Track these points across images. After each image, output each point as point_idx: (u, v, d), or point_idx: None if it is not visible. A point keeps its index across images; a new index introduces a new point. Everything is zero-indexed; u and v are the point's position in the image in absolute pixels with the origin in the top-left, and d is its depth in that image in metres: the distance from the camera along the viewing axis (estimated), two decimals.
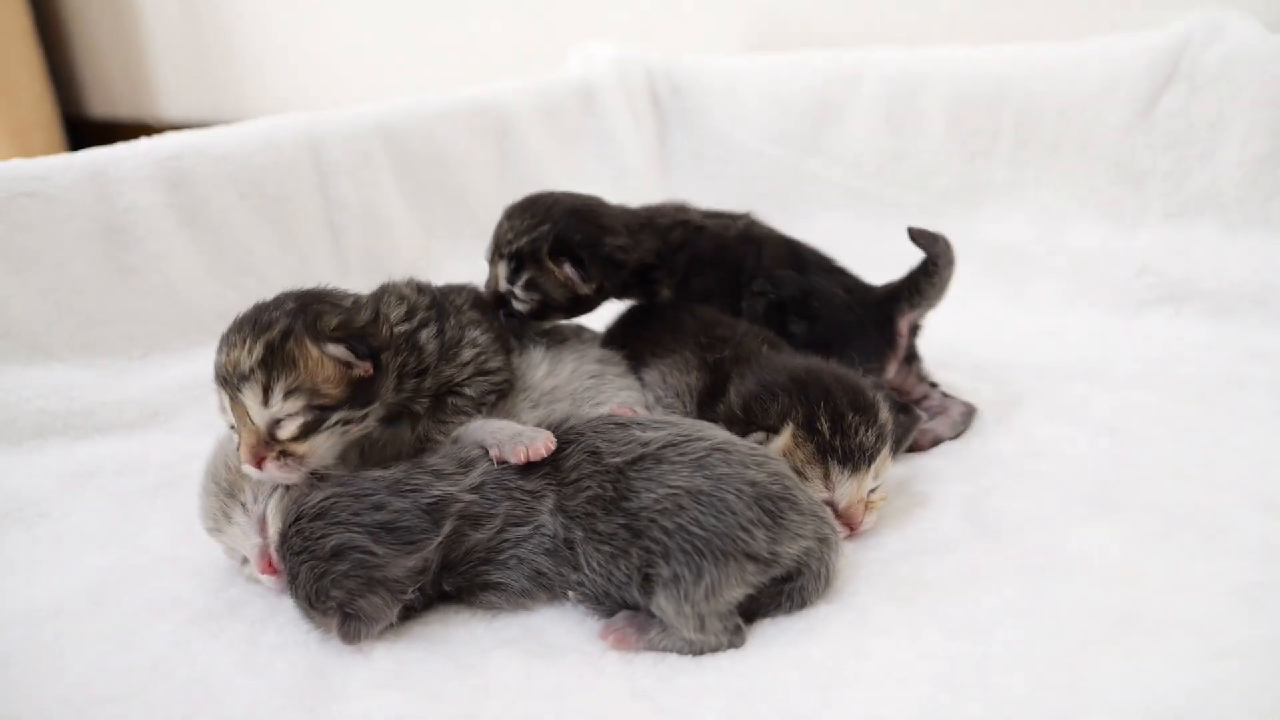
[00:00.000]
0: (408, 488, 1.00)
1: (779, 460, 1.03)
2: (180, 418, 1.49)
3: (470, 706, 0.89)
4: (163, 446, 1.42)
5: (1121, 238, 1.81)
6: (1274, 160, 1.66)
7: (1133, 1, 1.95)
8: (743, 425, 1.12)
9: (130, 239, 1.57)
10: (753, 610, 0.99)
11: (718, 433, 1.03)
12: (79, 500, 1.29)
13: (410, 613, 1.01)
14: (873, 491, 1.12)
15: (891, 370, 1.39)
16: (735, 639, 0.95)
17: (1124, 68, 1.80)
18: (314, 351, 1.02)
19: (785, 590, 0.99)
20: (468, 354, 1.17)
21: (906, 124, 2.07)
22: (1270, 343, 1.56)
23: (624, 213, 1.40)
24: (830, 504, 1.09)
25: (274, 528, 1.04)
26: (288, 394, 1.00)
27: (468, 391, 1.16)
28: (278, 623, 1.02)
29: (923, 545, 1.10)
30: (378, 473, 1.03)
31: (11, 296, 1.44)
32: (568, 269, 1.28)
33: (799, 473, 1.07)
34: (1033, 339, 1.65)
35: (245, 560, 1.08)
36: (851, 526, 1.10)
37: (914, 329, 1.42)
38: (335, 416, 1.03)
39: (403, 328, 1.12)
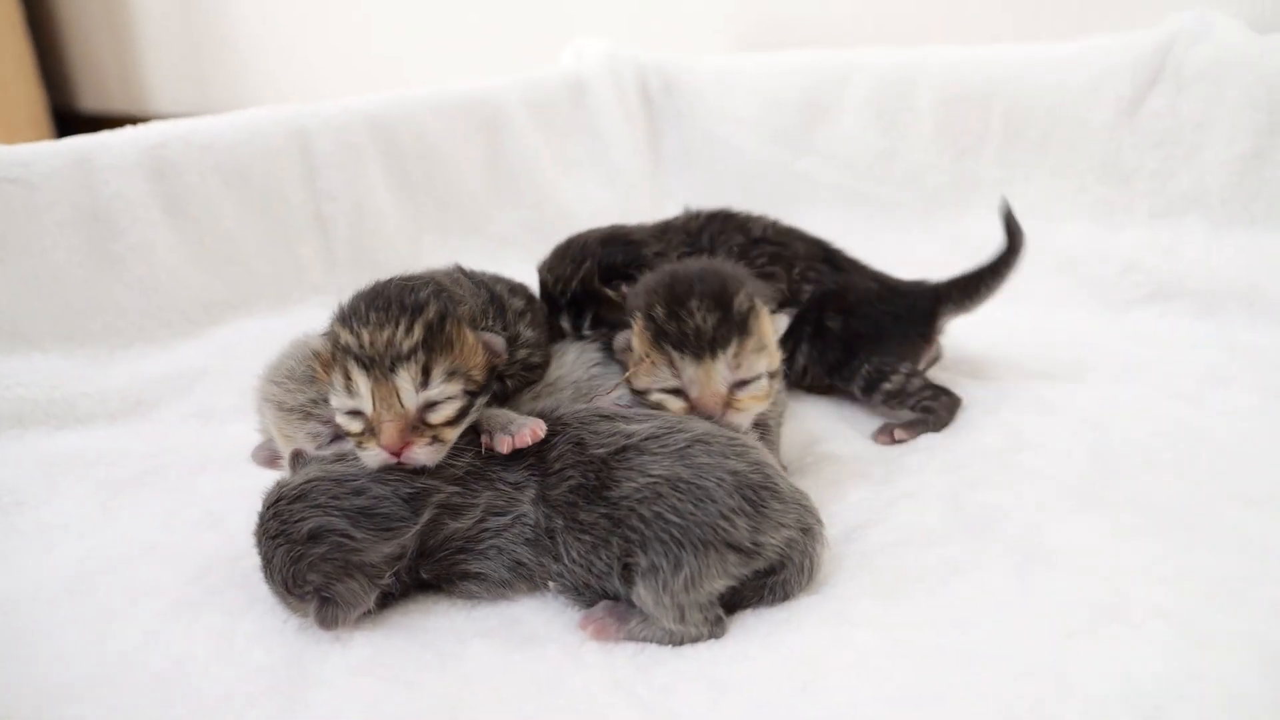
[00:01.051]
0: (391, 475, 0.99)
1: (760, 449, 1.03)
2: (162, 408, 1.49)
3: (448, 695, 0.89)
4: (144, 437, 1.42)
5: (1108, 236, 1.82)
6: (1259, 160, 1.67)
7: (1120, 2, 1.96)
8: (626, 328, 1.14)
9: (114, 228, 1.56)
10: (734, 602, 0.98)
11: (699, 425, 1.03)
12: (58, 489, 1.28)
13: (388, 600, 1.01)
14: (740, 387, 1.09)
15: (922, 362, 1.43)
16: (716, 630, 0.95)
17: (1111, 67, 1.81)
18: (470, 336, 1.01)
19: (768, 584, 0.98)
20: (521, 354, 1.16)
21: (897, 123, 2.08)
22: (1254, 340, 1.56)
23: (644, 227, 1.46)
24: (683, 394, 1.08)
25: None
26: (449, 376, 0.98)
27: (508, 384, 1.16)
28: (255, 611, 1.01)
29: (906, 537, 1.10)
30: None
31: None
32: (624, 289, 1.30)
33: (649, 362, 1.08)
34: (1019, 335, 1.65)
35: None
36: (705, 415, 1.07)
37: None
38: (478, 401, 1.02)
39: (490, 323, 1.11)
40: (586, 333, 1.33)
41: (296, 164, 1.79)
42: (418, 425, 0.97)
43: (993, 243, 1.44)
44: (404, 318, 0.97)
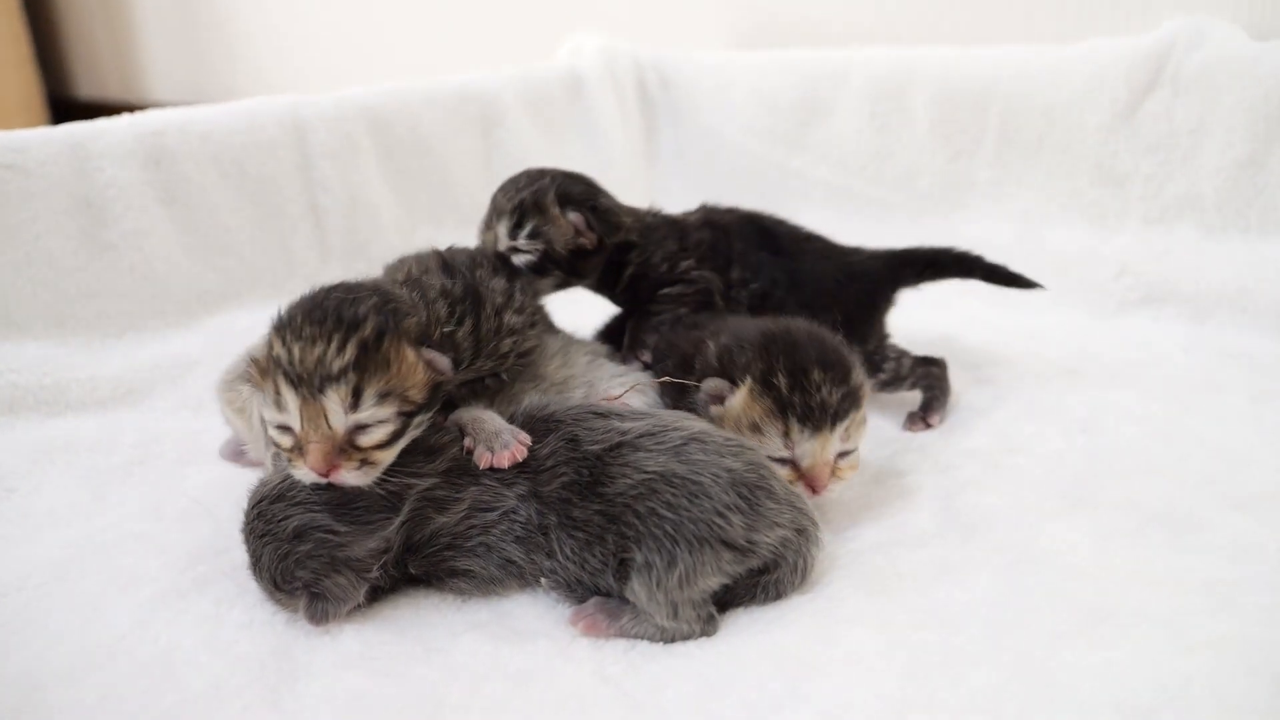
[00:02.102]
0: None
1: (755, 450, 1.03)
2: (153, 397, 1.48)
3: (436, 688, 0.89)
4: (134, 425, 1.41)
5: (1102, 240, 1.82)
6: (1254, 166, 1.67)
7: (1118, 6, 1.96)
8: (716, 376, 1.11)
9: (108, 215, 1.56)
10: (727, 600, 0.98)
11: (695, 423, 1.03)
12: (48, 476, 1.28)
13: (377, 594, 1.01)
14: (842, 457, 1.09)
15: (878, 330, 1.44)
16: (708, 627, 0.95)
17: (1108, 71, 1.81)
18: (410, 355, 0.95)
19: (761, 582, 0.98)
20: (506, 345, 1.14)
21: (892, 123, 2.07)
22: (1246, 346, 1.56)
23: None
24: (792, 463, 1.07)
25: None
26: (381, 398, 0.92)
27: (503, 376, 1.15)
28: (244, 602, 1.01)
29: (897, 537, 1.10)
30: None
31: None
32: (573, 216, 1.30)
33: (756, 428, 1.06)
34: (1012, 338, 1.65)
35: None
36: (814, 489, 1.07)
37: None
38: (415, 421, 0.97)
39: (449, 329, 1.06)
40: (520, 243, 1.28)
41: (292, 155, 1.78)
42: (345, 448, 0.92)
43: (986, 245, 1.44)
44: (337, 334, 0.92)
